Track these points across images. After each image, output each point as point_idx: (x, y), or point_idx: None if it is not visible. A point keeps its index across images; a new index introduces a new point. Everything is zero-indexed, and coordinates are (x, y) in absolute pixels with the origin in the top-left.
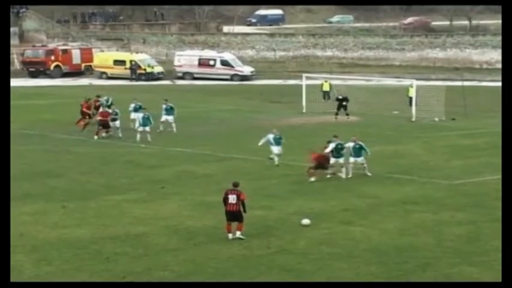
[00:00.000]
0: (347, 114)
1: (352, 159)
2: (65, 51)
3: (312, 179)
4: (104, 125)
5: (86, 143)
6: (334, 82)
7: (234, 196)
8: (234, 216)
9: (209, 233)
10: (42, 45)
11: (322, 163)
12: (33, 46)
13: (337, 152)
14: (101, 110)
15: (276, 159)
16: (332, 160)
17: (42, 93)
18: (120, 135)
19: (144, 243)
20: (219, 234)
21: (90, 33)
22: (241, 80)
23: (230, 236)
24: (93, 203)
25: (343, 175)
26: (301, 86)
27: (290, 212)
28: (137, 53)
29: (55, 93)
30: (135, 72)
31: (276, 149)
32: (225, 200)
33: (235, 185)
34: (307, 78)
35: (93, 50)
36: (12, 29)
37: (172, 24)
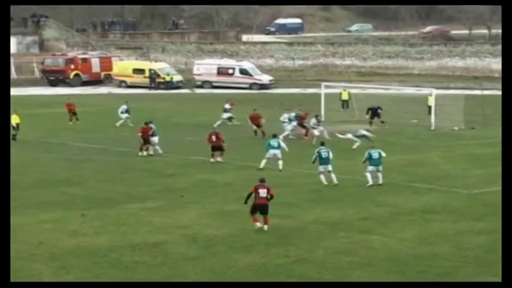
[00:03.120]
0: (382, 122)
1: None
2: (84, 60)
3: None
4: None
5: (105, 151)
6: (353, 91)
7: (265, 190)
8: (263, 208)
9: (228, 241)
10: (62, 54)
11: None
12: (53, 55)
13: (322, 159)
14: None
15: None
16: (320, 168)
17: (62, 102)
18: (160, 151)
19: (163, 251)
20: (237, 242)
21: (110, 42)
22: (260, 88)
23: (259, 224)
24: (112, 211)
25: (334, 180)
26: (320, 94)
27: (308, 221)
28: (156, 61)
29: (74, 102)
30: (154, 80)
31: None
32: (255, 194)
33: (263, 180)
34: (326, 87)
35: (113, 59)
36: (32, 38)
37: (192, 33)
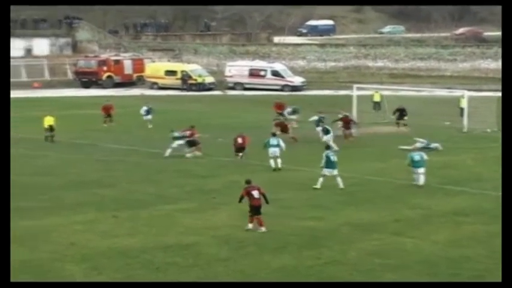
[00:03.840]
0: (404, 124)
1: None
2: (117, 61)
3: None
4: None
5: (136, 152)
6: (384, 93)
7: (256, 191)
8: (259, 209)
9: (259, 243)
10: (95, 56)
11: None
12: (86, 56)
13: (330, 163)
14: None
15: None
16: (325, 171)
17: (94, 103)
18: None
19: (194, 253)
20: (269, 244)
21: (142, 43)
22: (292, 90)
23: (251, 226)
24: (144, 212)
25: (341, 185)
26: (351, 96)
27: (340, 223)
28: (188, 63)
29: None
30: (186, 82)
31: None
32: (249, 196)
33: (250, 181)
34: (358, 88)
35: (145, 61)
36: (65, 40)
37: (224, 34)
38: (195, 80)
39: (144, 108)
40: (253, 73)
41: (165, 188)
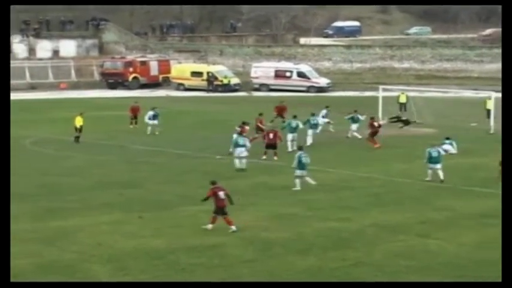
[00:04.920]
0: (415, 121)
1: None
2: (143, 62)
3: None
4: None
5: (162, 153)
6: (411, 94)
7: (222, 192)
8: (224, 210)
9: (284, 244)
10: (121, 57)
11: None
12: (112, 58)
13: (302, 164)
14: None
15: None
16: (298, 172)
17: (120, 105)
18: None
19: (219, 254)
20: (294, 245)
21: (168, 45)
22: (318, 91)
23: (211, 226)
24: (169, 213)
25: (312, 181)
26: (377, 97)
27: (366, 224)
28: (214, 64)
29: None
30: (212, 83)
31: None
32: (216, 197)
33: (215, 182)
34: (384, 90)
35: (171, 62)
36: (92, 41)
37: (249, 36)
38: (221, 81)
39: (151, 113)
40: (279, 74)
41: (191, 189)
